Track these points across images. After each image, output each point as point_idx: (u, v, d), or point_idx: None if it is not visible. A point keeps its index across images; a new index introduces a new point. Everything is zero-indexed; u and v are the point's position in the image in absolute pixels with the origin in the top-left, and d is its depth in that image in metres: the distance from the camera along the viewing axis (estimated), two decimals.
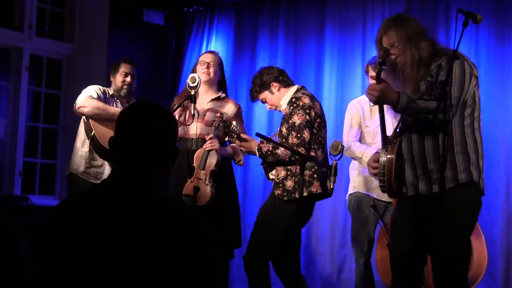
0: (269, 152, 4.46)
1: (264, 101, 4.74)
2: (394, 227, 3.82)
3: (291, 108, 4.47)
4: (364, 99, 5.27)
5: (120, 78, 5.44)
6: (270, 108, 4.77)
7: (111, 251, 1.97)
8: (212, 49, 7.15)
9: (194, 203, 4.75)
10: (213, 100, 5.03)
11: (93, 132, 5.18)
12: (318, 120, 4.51)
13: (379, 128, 5.06)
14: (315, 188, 4.39)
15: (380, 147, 4.97)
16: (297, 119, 4.43)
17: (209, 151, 4.79)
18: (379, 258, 5.03)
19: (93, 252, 1.98)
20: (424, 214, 3.60)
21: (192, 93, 4.87)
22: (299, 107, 4.45)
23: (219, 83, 5.11)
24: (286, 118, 4.48)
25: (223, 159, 4.86)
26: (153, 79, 7.33)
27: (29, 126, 6.75)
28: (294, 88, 4.64)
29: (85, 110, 5.21)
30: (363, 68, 5.35)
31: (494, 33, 5.73)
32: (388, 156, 3.65)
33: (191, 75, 4.98)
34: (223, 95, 5.07)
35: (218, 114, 4.81)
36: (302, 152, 4.34)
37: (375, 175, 3.79)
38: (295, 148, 4.35)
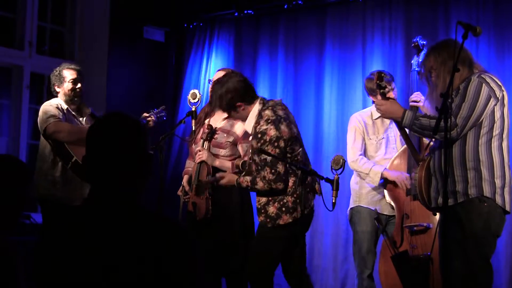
0: (248, 188, 4.34)
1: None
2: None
3: (258, 143, 4.22)
4: (365, 113, 5.28)
5: (69, 86, 5.26)
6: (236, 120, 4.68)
7: (97, 268, 1.99)
8: (212, 64, 7.19)
9: (195, 219, 4.76)
10: (225, 118, 4.89)
11: (74, 158, 5.01)
12: (289, 143, 4.25)
13: (382, 141, 5.12)
14: (299, 213, 4.27)
15: (384, 160, 5.07)
16: (267, 156, 4.20)
17: (200, 164, 4.78)
18: (382, 271, 5.02)
19: (80, 270, 2.00)
20: (444, 226, 3.76)
21: (193, 109, 4.87)
22: (267, 143, 4.20)
23: None
24: (256, 152, 4.26)
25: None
26: (154, 95, 7.34)
27: (30, 144, 6.74)
28: (255, 109, 4.34)
29: (61, 135, 5.07)
30: (364, 83, 5.33)
31: (494, 46, 5.73)
32: (418, 173, 4.01)
33: (192, 91, 4.99)
34: None
35: (207, 125, 4.81)
36: (280, 186, 4.21)
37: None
38: (272, 184, 4.20)
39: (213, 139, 4.85)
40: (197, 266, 2.06)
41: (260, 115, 4.29)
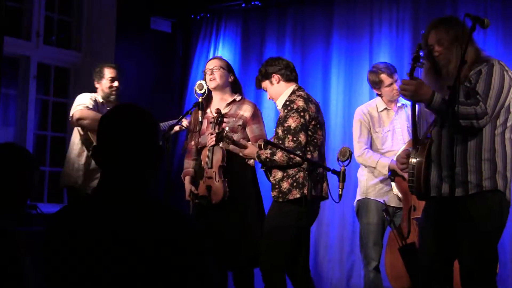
0: (267, 159, 4.47)
1: (265, 90, 4.77)
2: (420, 229, 3.89)
3: (286, 111, 4.49)
4: (371, 105, 5.27)
5: (107, 84, 5.53)
6: (270, 98, 4.79)
7: (106, 257, 2.00)
8: (219, 55, 7.17)
9: (209, 203, 4.77)
10: (229, 104, 4.99)
11: (94, 143, 5.11)
12: (313, 122, 4.51)
13: (388, 133, 5.10)
14: (307, 190, 4.34)
15: (391, 153, 5.04)
16: (292, 123, 4.44)
17: (213, 148, 4.80)
18: (388, 263, 5.02)
19: (89, 260, 2.01)
20: (446, 217, 3.61)
21: (200, 100, 4.88)
22: (293, 110, 4.46)
23: (232, 85, 5.05)
24: (281, 121, 4.50)
25: (233, 158, 4.83)
26: (161, 86, 7.35)
27: (37, 135, 6.76)
28: (290, 89, 4.64)
29: (85, 122, 5.30)
30: (367, 76, 5.27)
31: (501, 38, 5.71)
32: (418, 157, 3.70)
33: (198, 82, 4.99)
34: (239, 97, 5.03)
35: (215, 110, 4.83)
36: (300, 155, 4.35)
37: (403, 170, 3.85)
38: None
39: (225, 123, 4.88)
40: (205, 258, 2.06)
41: (293, 92, 4.59)
